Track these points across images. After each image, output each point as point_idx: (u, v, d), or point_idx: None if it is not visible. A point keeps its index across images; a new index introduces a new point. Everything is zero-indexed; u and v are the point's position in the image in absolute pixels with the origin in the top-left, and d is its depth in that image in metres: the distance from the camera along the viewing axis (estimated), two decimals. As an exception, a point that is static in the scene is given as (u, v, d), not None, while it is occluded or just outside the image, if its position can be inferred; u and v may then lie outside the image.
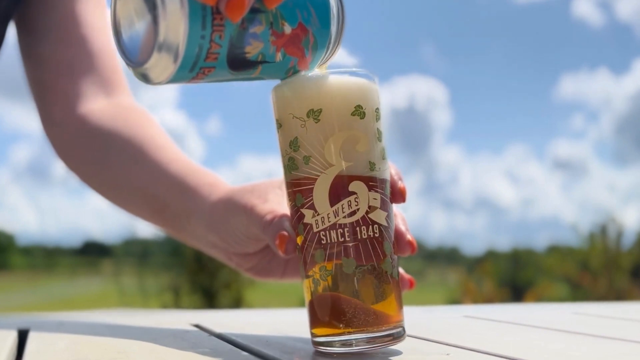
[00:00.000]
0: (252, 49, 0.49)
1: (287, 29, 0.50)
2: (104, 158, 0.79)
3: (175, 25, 0.46)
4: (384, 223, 0.53)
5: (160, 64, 0.47)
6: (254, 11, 0.48)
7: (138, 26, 0.49)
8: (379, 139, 0.53)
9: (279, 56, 0.51)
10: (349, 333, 0.51)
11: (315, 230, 0.52)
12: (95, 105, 0.81)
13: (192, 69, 0.48)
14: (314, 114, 0.52)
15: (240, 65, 0.50)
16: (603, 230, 9.45)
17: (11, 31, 0.86)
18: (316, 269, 0.52)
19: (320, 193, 0.52)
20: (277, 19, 0.49)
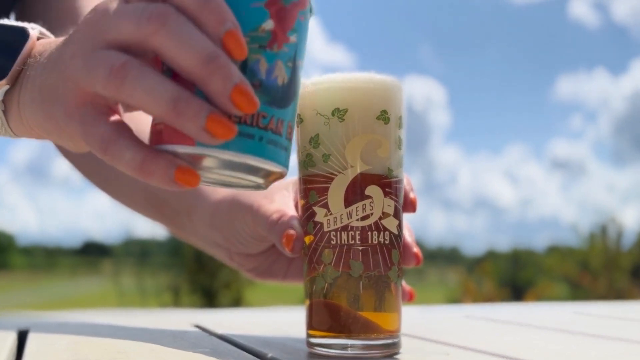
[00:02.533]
0: (280, 79, 0.44)
1: (276, 44, 0.44)
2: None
3: (268, 174, 0.45)
4: (395, 231, 0.53)
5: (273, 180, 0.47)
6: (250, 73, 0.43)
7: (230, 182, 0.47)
8: (399, 147, 0.53)
9: (284, 47, 0.44)
10: (346, 337, 0.51)
11: (326, 229, 0.52)
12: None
13: (289, 146, 0.47)
14: (339, 113, 0.51)
15: (291, 93, 0.46)
16: (603, 230, 9.45)
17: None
18: (322, 269, 0.52)
19: (336, 193, 0.51)
20: (262, 49, 0.44)
